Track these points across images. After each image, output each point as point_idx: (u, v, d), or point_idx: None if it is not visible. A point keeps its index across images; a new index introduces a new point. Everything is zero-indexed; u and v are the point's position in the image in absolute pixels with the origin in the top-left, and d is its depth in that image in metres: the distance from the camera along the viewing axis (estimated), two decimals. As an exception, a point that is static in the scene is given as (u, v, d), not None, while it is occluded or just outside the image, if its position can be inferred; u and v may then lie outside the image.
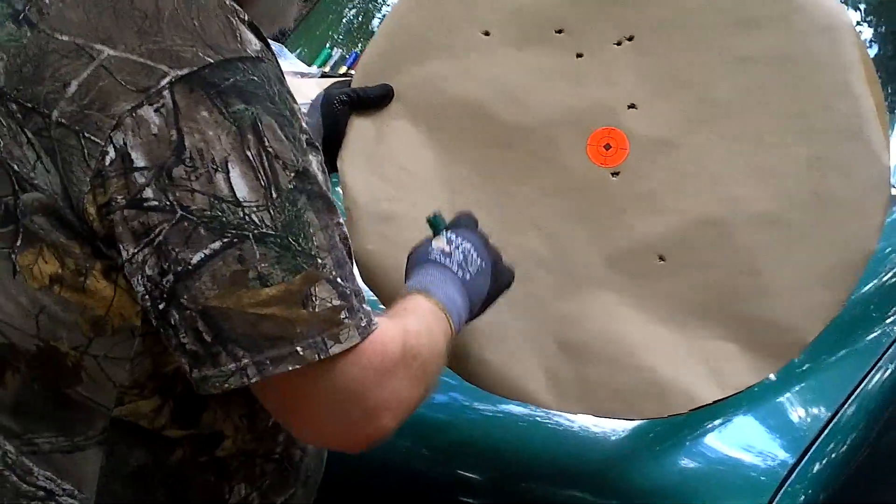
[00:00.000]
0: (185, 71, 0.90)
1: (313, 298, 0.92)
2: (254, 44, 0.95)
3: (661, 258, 1.33)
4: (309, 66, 2.82)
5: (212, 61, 0.91)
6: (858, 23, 2.64)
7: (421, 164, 1.43)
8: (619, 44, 1.38)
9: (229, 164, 0.89)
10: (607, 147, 1.37)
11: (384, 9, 3.25)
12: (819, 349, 1.76)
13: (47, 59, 0.93)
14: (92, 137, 0.90)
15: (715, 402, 1.29)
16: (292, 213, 0.92)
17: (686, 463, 1.55)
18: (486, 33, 1.43)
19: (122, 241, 0.91)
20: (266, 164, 0.91)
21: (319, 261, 0.93)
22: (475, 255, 1.21)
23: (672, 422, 1.56)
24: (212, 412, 1.04)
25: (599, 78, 1.38)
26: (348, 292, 0.95)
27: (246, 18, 0.97)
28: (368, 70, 1.49)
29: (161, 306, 0.91)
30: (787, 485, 1.50)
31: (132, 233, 0.90)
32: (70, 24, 0.93)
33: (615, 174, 1.36)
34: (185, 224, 0.89)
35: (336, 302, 0.93)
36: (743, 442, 1.61)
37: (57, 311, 0.97)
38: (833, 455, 1.61)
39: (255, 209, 0.90)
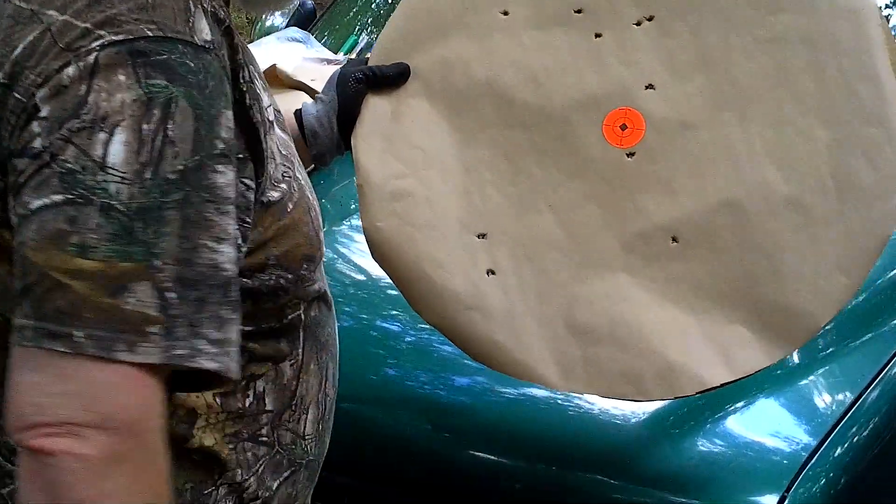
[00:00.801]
0: (120, 37, 0.89)
1: (126, 293, 0.86)
2: (204, 32, 0.93)
3: (675, 240, 1.32)
4: (335, 53, 2.82)
5: (150, 34, 0.89)
6: (887, 5, 2.62)
7: (436, 143, 1.43)
8: (638, 24, 1.38)
9: (117, 129, 0.86)
10: (623, 127, 1.37)
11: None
12: (843, 333, 1.77)
13: (2, 23, 0.93)
14: (17, 95, 0.89)
15: (724, 384, 1.29)
16: (155, 203, 0.87)
17: (706, 446, 1.55)
18: (505, 13, 1.43)
19: (9, 191, 0.90)
20: (157, 143, 0.87)
21: (157, 262, 0.87)
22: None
23: (692, 405, 1.57)
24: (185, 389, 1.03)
25: (618, 58, 1.38)
26: (178, 314, 0.87)
27: (209, 8, 0.95)
28: (386, 49, 1.48)
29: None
30: (808, 468, 1.50)
31: (14, 183, 0.89)
32: None
33: (630, 155, 1.36)
34: (47, 171, 0.86)
35: (152, 312, 0.86)
36: (764, 425, 1.61)
37: (7, 282, 0.94)
38: (855, 439, 1.60)
39: (117, 180, 0.86)
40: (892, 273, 1.96)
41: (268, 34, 3.01)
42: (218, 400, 1.06)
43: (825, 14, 1.30)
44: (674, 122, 1.34)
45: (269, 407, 1.11)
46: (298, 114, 1.46)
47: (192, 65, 0.90)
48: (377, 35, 2.93)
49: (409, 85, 1.45)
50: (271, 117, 1.08)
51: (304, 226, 1.11)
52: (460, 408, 1.66)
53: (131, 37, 0.88)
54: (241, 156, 0.98)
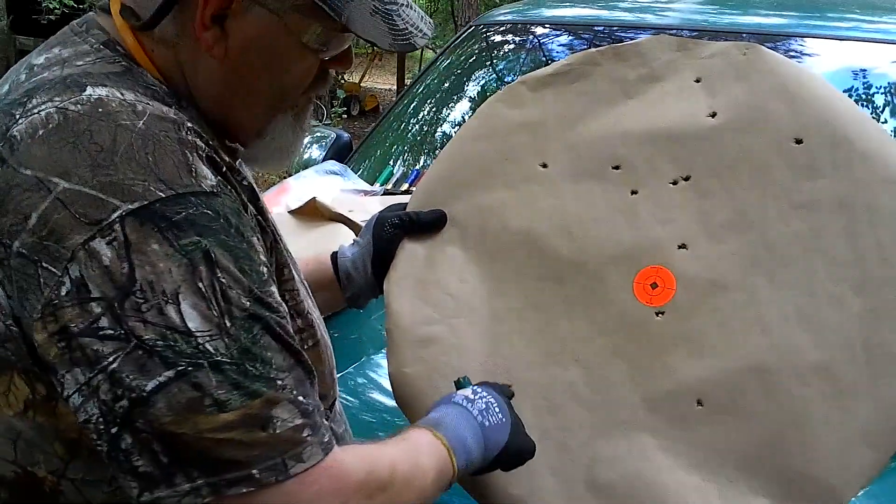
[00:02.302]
0: (136, 205, 0.92)
1: (274, 420, 0.94)
2: (209, 179, 0.97)
3: (700, 403, 1.30)
4: (371, 184, 2.88)
5: (163, 195, 0.93)
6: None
7: (467, 290, 1.44)
8: (675, 183, 1.39)
9: (180, 296, 0.92)
10: (654, 286, 1.37)
11: (444, 125, 3.34)
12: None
13: (12, 192, 0.95)
14: (49, 267, 0.92)
15: None
16: (248, 340, 0.94)
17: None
18: (544, 165, 1.46)
19: (76, 367, 0.92)
20: (219, 294, 0.93)
21: (279, 382, 0.95)
22: (497, 410, 1.23)
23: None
24: None
25: (652, 216, 1.39)
26: (311, 409, 0.97)
27: (205, 154, 0.99)
28: (425, 194, 1.52)
29: (113, 430, 0.92)
30: None
31: (87, 359, 0.92)
32: (34, 159, 0.95)
33: (660, 313, 1.36)
34: (140, 353, 0.91)
35: (298, 421, 0.95)
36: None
37: (33, 435, 0.99)
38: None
39: (208, 339, 0.92)
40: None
41: (306, 167, 3.09)
42: None
43: (863, 182, 1.30)
44: (705, 283, 1.34)
45: None
46: (335, 256, 1.49)
47: (210, 212, 0.95)
48: (412, 166, 3.02)
49: (446, 231, 1.48)
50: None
51: (318, 364, 1.14)
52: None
53: (146, 202, 0.93)
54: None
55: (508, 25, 3.45)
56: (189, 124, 1.01)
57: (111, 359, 0.91)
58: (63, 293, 0.92)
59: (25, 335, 0.95)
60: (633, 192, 1.41)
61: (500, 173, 1.48)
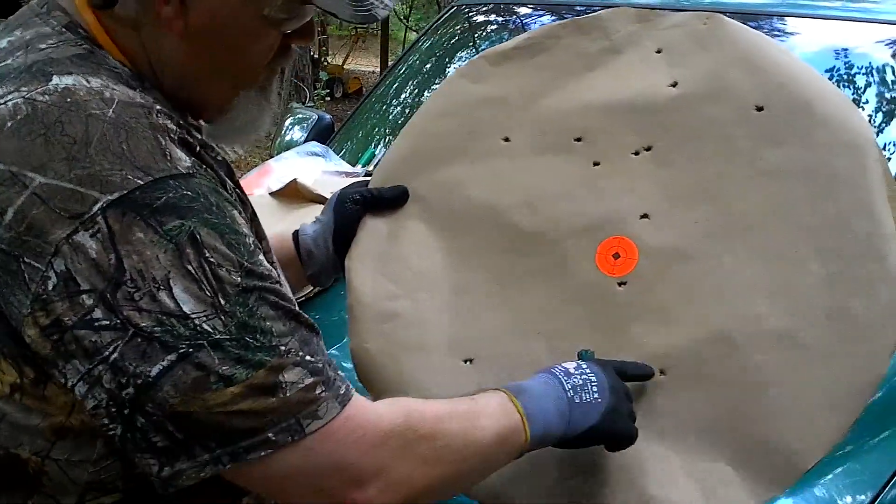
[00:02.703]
0: (116, 195, 0.92)
1: (282, 385, 0.96)
2: (185, 160, 0.98)
3: (663, 372, 1.29)
4: (353, 165, 2.88)
5: (141, 183, 0.93)
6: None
7: (430, 265, 1.43)
8: (636, 153, 1.39)
9: (171, 281, 0.92)
10: (616, 256, 1.36)
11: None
12: (861, 430, 1.76)
13: None
14: (32, 262, 0.92)
15: None
16: (244, 314, 0.95)
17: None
18: (507, 139, 1.46)
19: (74, 358, 0.93)
20: (209, 273, 0.94)
21: (282, 349, 0.97)
22: (594, 389, 1.20)
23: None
24: None
25: (614, 187, 1.38)
26: (321, 366, 0.99)
27: (177, 137, 0.99)
28: (387, 171, 1.52)
29: (126, 412, 0.94)
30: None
31: (84, 350, 0.93)
32: (5, 153, 0.95)
33: (622, 284, 1.35)
34: (139, 340, 0.92)
35: (308, 380, 0.97)
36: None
37: (18, 418, 0.99)
38: (877, 537, 1.59)
39: (204, 319, 0.93)
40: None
41: (287, 149, 3.08)
42: None
43: (824, 148, 1.29)
44: (667, 253, 1.33)
45: None
46: (296, 234, 1.49)
47: (190, 193, 0.96)
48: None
49: (408, 207, 1.47)
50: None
51: None
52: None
53: (125, 191, 0.93)
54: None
55: (490, 5, 3.44)
56: (158, 107, 1.01)
57: (111, 349, 0.92)
58: (50, 287, 0.92)
59: (13, 327, 0.95)
60: (596, 164, 1.41)
61: (462, 148, 1.48)
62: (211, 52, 1.07)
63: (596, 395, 1.20)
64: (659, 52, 1.45)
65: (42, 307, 0.93)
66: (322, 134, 3.24)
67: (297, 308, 1.01)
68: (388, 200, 1.47)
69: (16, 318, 0.94)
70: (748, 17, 2.70)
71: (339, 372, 1.02)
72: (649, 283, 1.33)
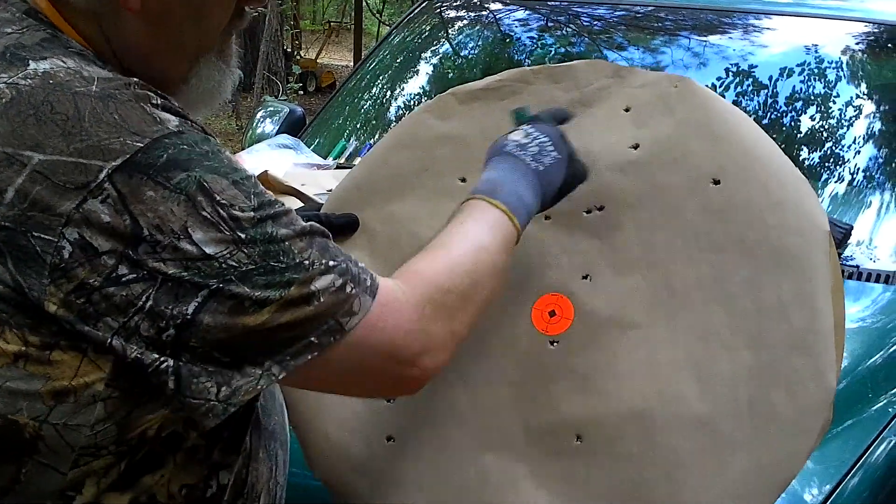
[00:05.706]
0: (119, 161, 0.96)
1: (315, 294, 1.01)
2: (173, 120, 1.01)
3: (579, 438, 1.27)
4: (325, 158, 2.88)
5: (141, 145, 0.97)
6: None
7: None
8: (588, 212, 1.36)
9: (189, 230, 0.97)
10: (552, 314, 1.34)
11: (400, 99, 3.34)
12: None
13: None
14: (42, 236, 0.95)
15: None
16: (265, 242, 1.00)
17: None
18: (463, 180, 1.44)
19: (106, 315, 0.97)
20: (224, 214, 0.98)
21: (307, 262, 1.01)
22: (551, 148, 1.26)
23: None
24: (156, 475, 1.07)
25: (561, 244, 1.36)
26: (344, 266, 1.04)
27: (159, 103, 1.03)
28: (340, 198, 1.51)
29: (169, 352, 0.98)
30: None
31: (115, 307, 0.96)
32: None
33: (554, 342, 1.33)
34: (169, 284, 0.97)
35: (338, 282, 1.03)
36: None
37: (19, 384, 1.00)
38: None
39: (228, 256, 0.98)
40: (870, 360, 1.99)
41: (259, 141, 3.08)
42: (182, 492, 1.10)
43: (774, 232, 1.26)
44: (602, 318, 1.31)
45: (225, 497, 1.14)
46: None
47: (186, 146, 0.99)
48: (365, 141, 3.02)
49: (356, 237, 1.47)
50: None
51: None
52: None
53: (128, 156, 0.96)
54: None
55: (461, 0, 3.45)
56: (135, 79, 1.04)
57: (143, 298, 0.97)
58: (67, 256, 0.95)
59: (27, 298, 0.97)
60: (547, 218, 1.37)
61: (417, 184, 1.47)
62: (169, 24, 1.09)
63: (555, 153, 1.26)
64: (627, 110, 1.41)
65: (63, 275, 0.96)
66: (293, 127, 3.24)
67: (302, 220, 1.06)
68: (337, 227, 1.47)
69: (36, 289, 0.96)
70: (723, 13, 2.72)
71: (360, 264, 1.07)
72: (580, 346, 1.31)
